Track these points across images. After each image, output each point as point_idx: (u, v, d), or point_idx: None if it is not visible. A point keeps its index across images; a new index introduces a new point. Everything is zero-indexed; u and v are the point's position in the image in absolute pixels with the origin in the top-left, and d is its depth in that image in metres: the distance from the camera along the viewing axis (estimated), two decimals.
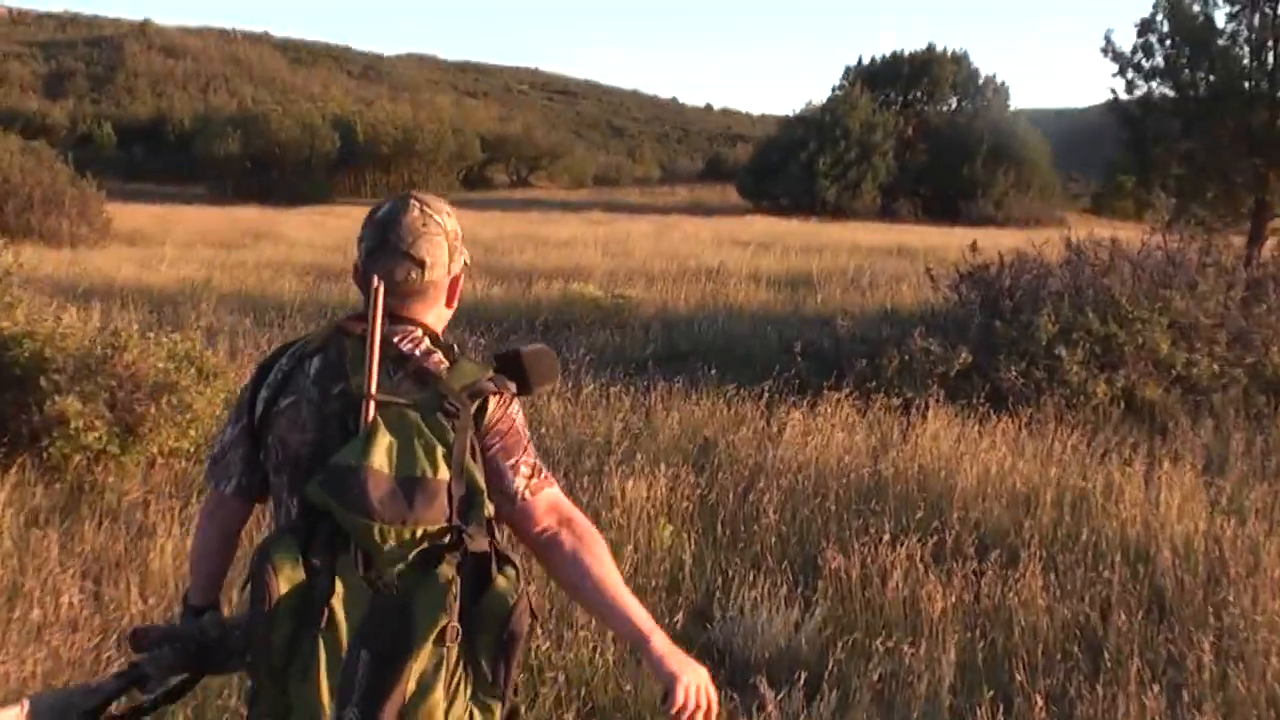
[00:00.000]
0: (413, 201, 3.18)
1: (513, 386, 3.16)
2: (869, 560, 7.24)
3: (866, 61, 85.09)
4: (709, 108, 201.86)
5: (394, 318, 3.10)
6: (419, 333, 3.17)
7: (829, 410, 10.78)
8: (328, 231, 37.59)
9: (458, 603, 2.85)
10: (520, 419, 3.20)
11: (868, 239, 39.53)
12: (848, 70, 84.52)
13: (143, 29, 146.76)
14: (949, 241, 37.19)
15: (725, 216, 58.91)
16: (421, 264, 3.12)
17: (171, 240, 33.48)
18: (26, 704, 3.08)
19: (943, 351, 12.28)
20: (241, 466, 3.27)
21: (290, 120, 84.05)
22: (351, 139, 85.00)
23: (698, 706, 3.00)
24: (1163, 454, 10.03)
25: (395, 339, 3.08)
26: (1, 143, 35.86)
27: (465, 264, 3.31)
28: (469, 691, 2.92)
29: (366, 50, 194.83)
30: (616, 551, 5.66)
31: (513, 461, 3.12)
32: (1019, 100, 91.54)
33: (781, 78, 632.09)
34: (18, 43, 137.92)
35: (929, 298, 17.57)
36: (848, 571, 7.11)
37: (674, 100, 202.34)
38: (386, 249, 3.12)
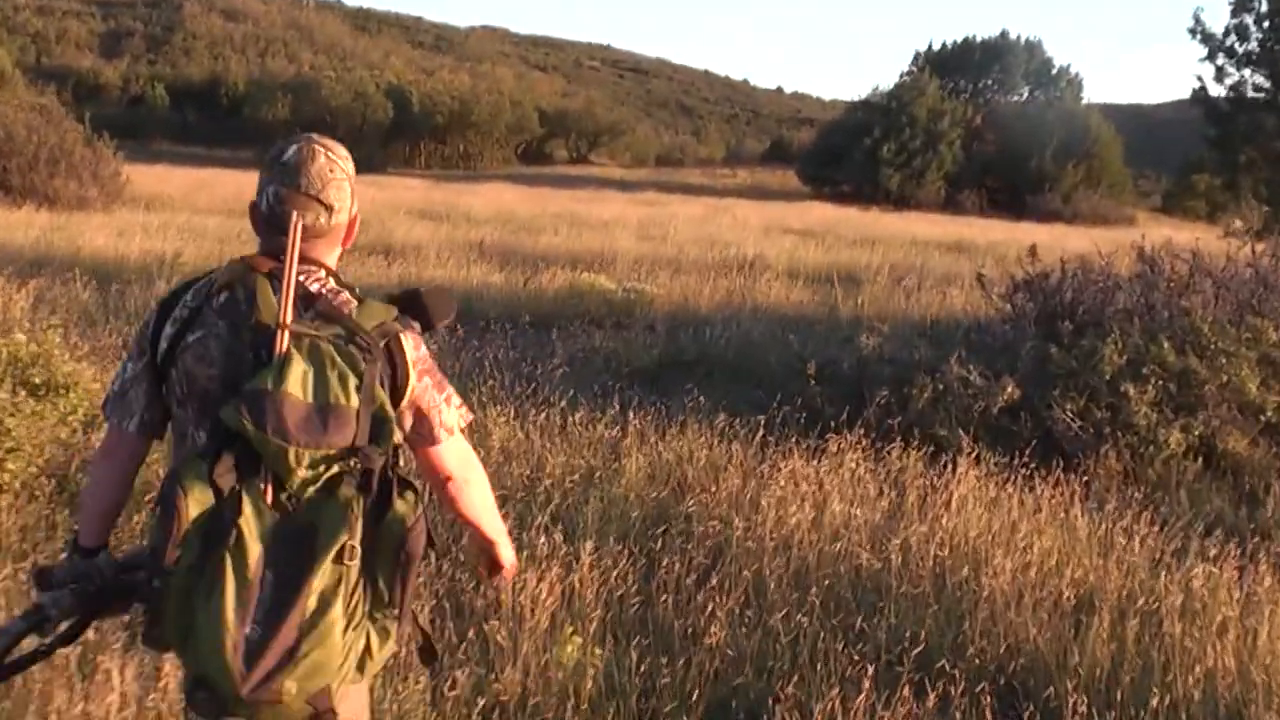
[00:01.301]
0: (318, 147, 3.25)
1: (417, 326, 3.25)
2: None
3: (937, 47, 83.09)
4: (780, 90, 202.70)
5: (300, 259, 3.09)
6: (322, 274, 3.23)
7: (835, 456, 8.63)
8: (364, 202, 35.44)
9: (360, 524, 2.90)
10: (429, 353, 3.30)
11: (926, 231, 37.77)
12: (917, 55, 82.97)
13: None
14: (1012, 238, 35.72)
15: (783, 202, 57.39)
16: (330, 209, 3.21)
17: (189, 206, 32.22)
18: None
19: (985, 383, 10.04)
20: (145, 402, 3.29)
21: (343, 87, 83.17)
22: (406, 108, 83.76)
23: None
24: (1256, 542, 7.67)
25: (302, 279, 3.11)
26: (9, 98, 34.06)
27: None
28: (366, 609, 2.97)
29: (438, 21, 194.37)
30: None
31: (445, 394, 3.30)
32: (1091, 94, 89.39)
33: (856, 62, 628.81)
34: (79, 0, 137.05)
35: (979, 306, 15.75)
36: None
37: (745, 81, 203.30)
38: (297, 193, 3.16)
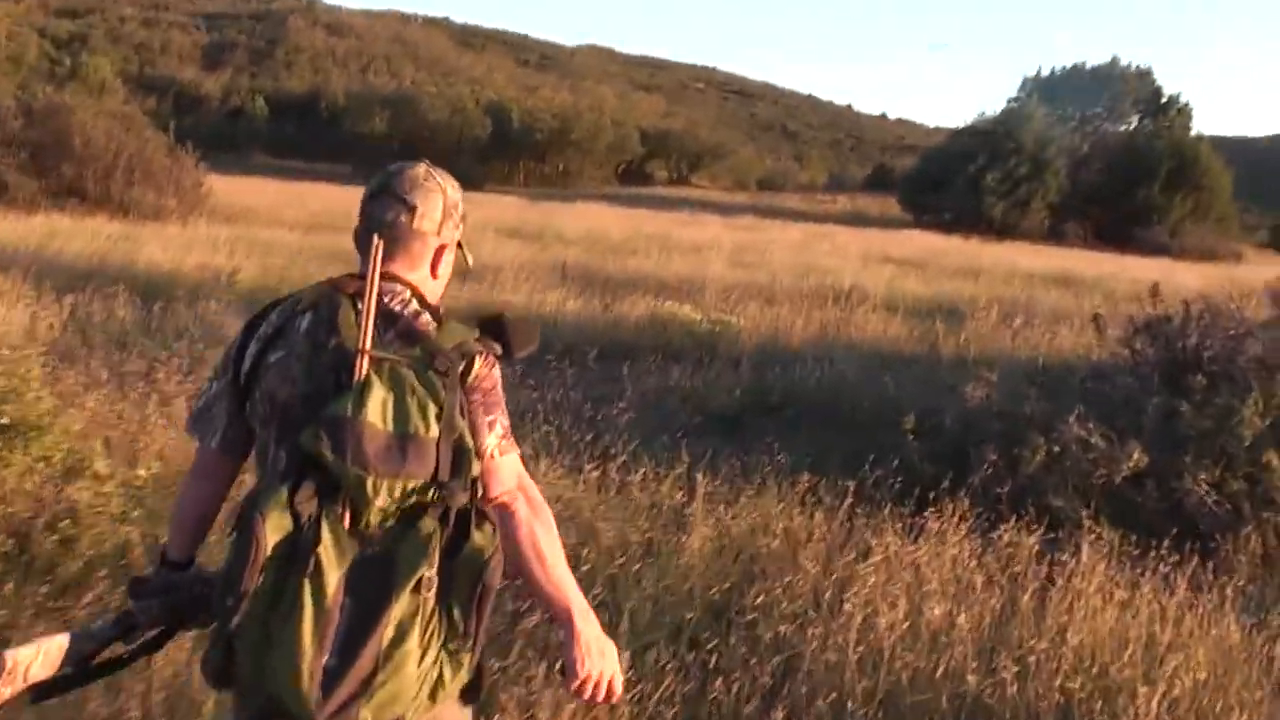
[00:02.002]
0: (423, 163, 3.27)
1: (498, 349, 3.15)
2: None
3: (1045, 73, 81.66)
4: (884, 116, 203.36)
5: (382, 275, 3.06)
6: (406, 294, 3.15)
7: (936, 535, 7.37)
8: None
9: (437, 555, 2.86)
10: (499, 381, 3.21)
11: (1030, 263, 36.34)
12: (1025, 81, 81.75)
13: (309, 5, 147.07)
14: (1120, 271, 34.52)
15: (883, 229, 56.47)
16: (412, 209, 3.17)
17: (273, 220, 31.70)
18: (42, 644, 3.07)
19: (1107, 447, 8.71)
20: (226, 420, 3.25)
21: (442, 102, 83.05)
22: (506, 125, 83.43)
23: (597, 686, 3.12)
24: None
25: (385, 298, 3.08)
26: (92, 106, 33.57)
27: (459, 243, 3.34)
28: (441, 640, 2.91)
29: (545, 39, 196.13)
30: None
31: (490, 418, 3.14)
32: (1200, 124, 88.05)
33: (962, 88, 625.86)
34: (184, 13, 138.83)
35: (1092, 347, 14.39)
36: None
37: (849, 107, 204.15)
38: (383, 193, 3.19)
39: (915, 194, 75.47)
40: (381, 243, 3.01)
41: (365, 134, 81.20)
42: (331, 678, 2.77)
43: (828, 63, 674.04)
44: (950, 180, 71.03)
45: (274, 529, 2.78)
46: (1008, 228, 66.42)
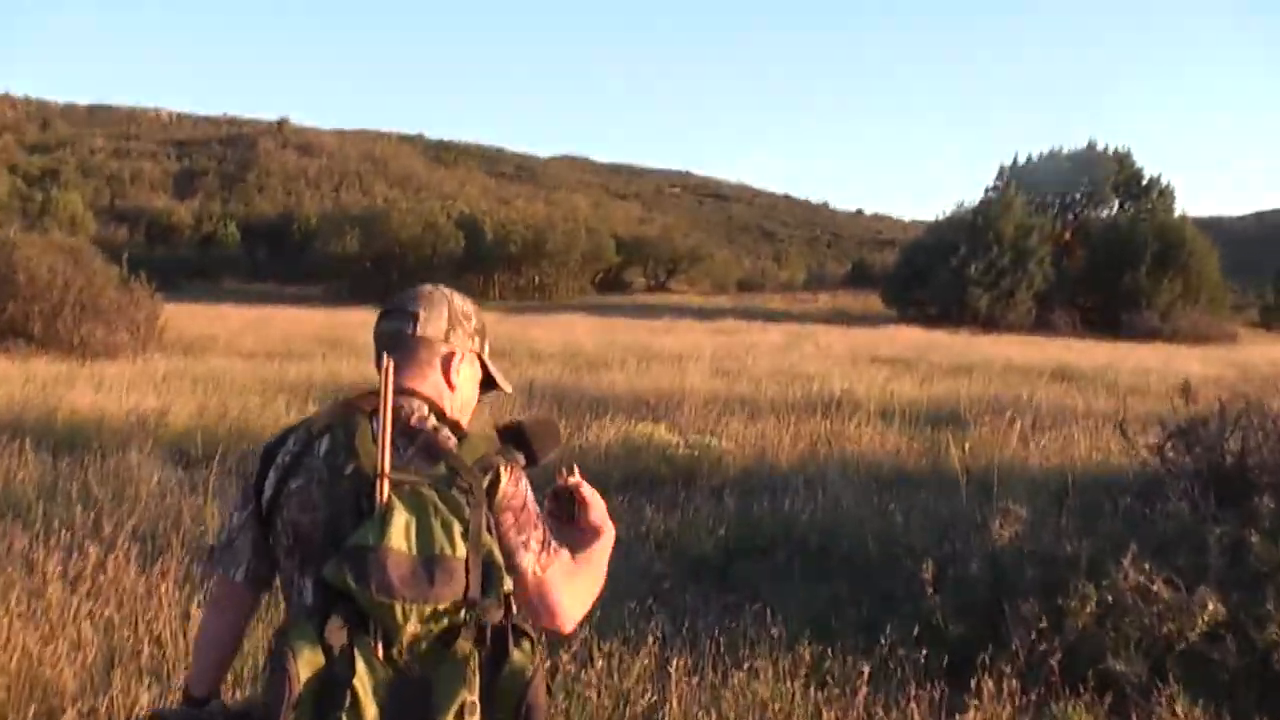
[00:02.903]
0: (438, 286, 3.40)
1: (521, 459, 3.14)
2: None
3: (1022, 160, 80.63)
4: (860, 212, 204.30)
5: (398, 391, 3.06)
6: (425, 408, 3.12)
7: None
8: None
9: (477, 678, 2.82)
10: (529, 493, 3.16)
11: (1023, 355, 35.36)
12: (1002, 170, 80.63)
13: (279, 127, 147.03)
14: (1117, 360, 33.59)
15: (867, 326, 55.63)
16: (414, 316, 3.23)
17: (232, 349, 30.50)
18: None
19: (1174, 595, 7.10)
20: (250, 551, 3.20)
21: (413, 218, 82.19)
22: (479, 238, 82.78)
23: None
24: None
25: (402, 413, 3.05)
26: (38, 242, 32.29)
27: (474, 352, 3.36)
28: None
29: (519, 151, 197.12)
30: None
31: (524, 538, 3.09)
32: (1182, 205, 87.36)
33: (934, 182, 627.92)
34: (154, 141, 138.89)
35: (1110, 451, 13.75)
36: None
37: (825, 204, 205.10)
38: (391, 311, 3.28)
39: (897, 289, 74.36)
40: (392, 361, 2.99)
41: (336, 254, 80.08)
42: None
43: (801, 159, 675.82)
44: (932, 273, 69.87)
45: (306, 664, 2.73)
46: (994, 319, 65.62)
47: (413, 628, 2.78)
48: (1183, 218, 77.39)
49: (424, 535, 2.80)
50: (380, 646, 2.79)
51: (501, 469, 3.03)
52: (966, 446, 15.17)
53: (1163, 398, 23.20)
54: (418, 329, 3.20)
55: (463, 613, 2.82)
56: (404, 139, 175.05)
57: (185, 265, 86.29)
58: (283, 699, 2.71)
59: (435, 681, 2.78)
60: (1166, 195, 78.73)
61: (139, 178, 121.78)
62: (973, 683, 6.48)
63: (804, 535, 10.63)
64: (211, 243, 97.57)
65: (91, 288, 28.70)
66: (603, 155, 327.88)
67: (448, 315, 3.26)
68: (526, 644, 2.92)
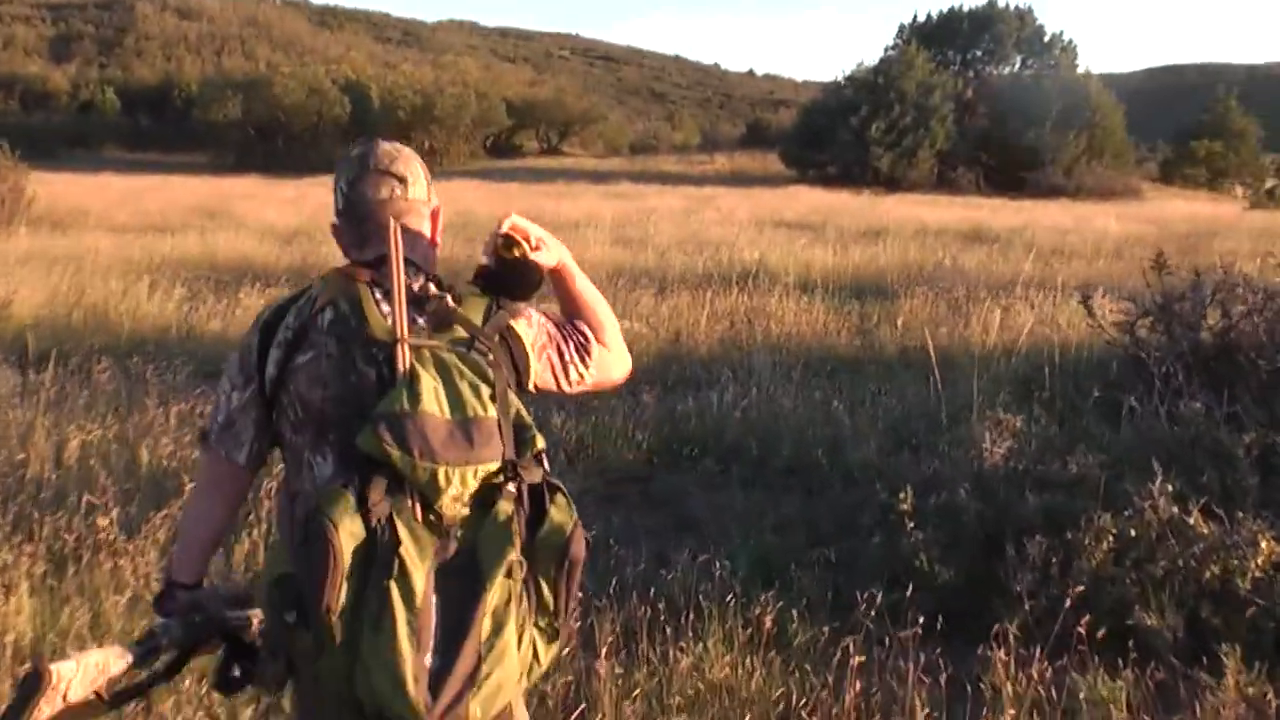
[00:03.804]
0: (379, 140, 3.20)
1: (520, 306, 3.09)
2: None
3: (922, 19, 79.38)
4: (751, 73, 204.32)
5: (388, 259, 2.95)
6: (421, 276, 3.00)
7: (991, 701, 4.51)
8: (299, 210, 32.20)
9: (519, 538, 2.78)
10: (540, 317, 3.15)
11: (934, 217, 34.32)
12: (902, 28, 79.91)
13: None
14: (1032, 221, 32.55)
15: (767, 188, 54.55)
16: (403, 179, 3.11)
17: (105, 223, 28.43)
18: (81, 660, 2.95)
19: (1217, 531, 5.65)
20: (254, 432, 3.13)
21: (296, 84, 79.74)
22: (366, 105, 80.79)
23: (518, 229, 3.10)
24: None
25: (406, 283, 2.96)
26: None
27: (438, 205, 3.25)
28: (533, 620, 2.86)
29: (405, 16, 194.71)
30: None
31: (570, 347, 3.16)
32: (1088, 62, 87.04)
33: (828, 42, 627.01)
34: (27, 5, 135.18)
35: (1064, 331, 12.09)
36: None
37: (716, 66, 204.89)
38: (366, 172, 3.09)
39: (798, 149, 73.14)
40: (398, 224, 2.91)
41: (219, 122, 77.82)
42: (436, 677, 2.68)
43: (691, 19, 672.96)
44: (833, 134, 68.68)
45: (348, 535, 2.67)
46: (895, 179, 64.76)
47: (454, 492, 2.71)
48: (1086, 74, 76.69)
49: (454, 398, 2.75)
50: (420, 512, 2.72)
51: (511, 321, 3.00)
52: (899, 323, 13.83)
53: (1088, 259, 22.13)
54: (408, 191, 3.10)
55: (500, 474, 2.76)
56: (287, 3, 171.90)
57: (63, 134, 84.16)
58: (326, 572, 2.64)
59: (479, 544, 2.73)
60: (1069, 52, 78.01)
61: (11, 42, 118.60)
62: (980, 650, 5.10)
63: (738, 440, 9.18)
64: (90, 110, 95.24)
65: None
66: (490, 20, 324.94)
67: (423, 173, 3.17)
68: (561, 499, 2.83)
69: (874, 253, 22.10)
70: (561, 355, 3.13)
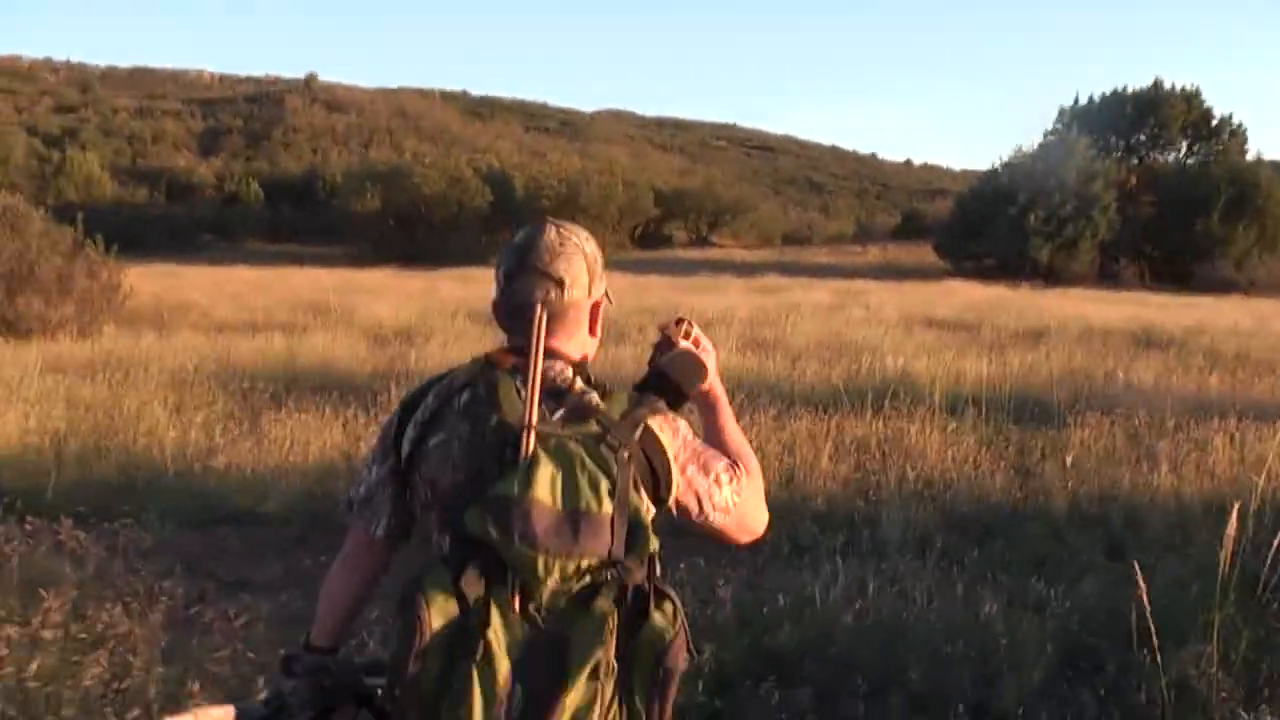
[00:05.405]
0: (549, 224, 3.12)
1: (663, 404, 2.99)
2: None
3: (1083, 101, 76.62)
4: (909, 162, 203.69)
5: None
6: (568, 370, 2.99)
7: None
8: (420, 305, 30.56)
9: (614, 638, 2.70)
10: (688, 430, 3.04)
11: (1099, 314, 31.89)
12: (1062, 112, 77.00)
13: (307, 84, 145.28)
14: (1206, 321, 30.54)
15: (921, 281, 52.71)
16: (560, 282, 3.03)
17: (202, 320, 26.70)
18: (200, 715, 3.02)
19: None
20: (390, 506, 3.15)
21: (437, 173, 78.63)
22: (508, 194, 79.66)
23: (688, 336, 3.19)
24: None
25: (547, 375, 2.93)
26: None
27: (607, 294, 3.18)
28: None
29: (563, 106, 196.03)
30: None
31: (714, 475, 3.01)
32: (1258, 146, 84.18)
33: (984, 129, 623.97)
34: (179, 100, 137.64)
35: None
36: None
37: (873, 155, 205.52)
38: (524, 270, 3.03)
39: (952, 241, 70.91)
40: (545, 314, 2.87)
41: (358, 212, 77.11)
42: None
43: (849, 110, 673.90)
44: (989, 223, 66.32)
45: (439, 612, 2.65)
46: (1056, 272, 62.48)
47: (553, 583, 2.63)
48: (1258, 160, 73.59)
49: (570, 489, 2.66)
50: (517, 600, 2.66)
51: (654, 426, 2.86)
52: (1068, 461, 11.22)
53: (1278, 369, 19.41)
54: (566, 295, 2.97)
55: (605, 571, 2.66)
56: (445, 96, 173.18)
57: (205, 224, 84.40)
58: (411, 645, 2.62)
59: (571, 639, 2.63)
60: (1238, 136, 75.20)
61: (161, 137, 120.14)
62: None
63: (847, 655, 6.57)
64: (234, 202, 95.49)
65: (25, 257, 24.79)
66: (648, 109, 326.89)
67: (586, 268, 3.02)
68: (668, 606, 2.75)
69: (1034, 360, 19.53)
70: (707, 473, 2.95)
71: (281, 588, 8.06)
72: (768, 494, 8.18)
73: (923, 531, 8.99)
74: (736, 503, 3.01)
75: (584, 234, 3.09)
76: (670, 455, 2.89)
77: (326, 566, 3.31)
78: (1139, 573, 6.05)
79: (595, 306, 3.09)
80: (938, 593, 7.38)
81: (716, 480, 2.98)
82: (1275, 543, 6.24)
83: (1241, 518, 6.97)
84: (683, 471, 2.92)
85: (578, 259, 3.00)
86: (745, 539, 3.12)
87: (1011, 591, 7.54)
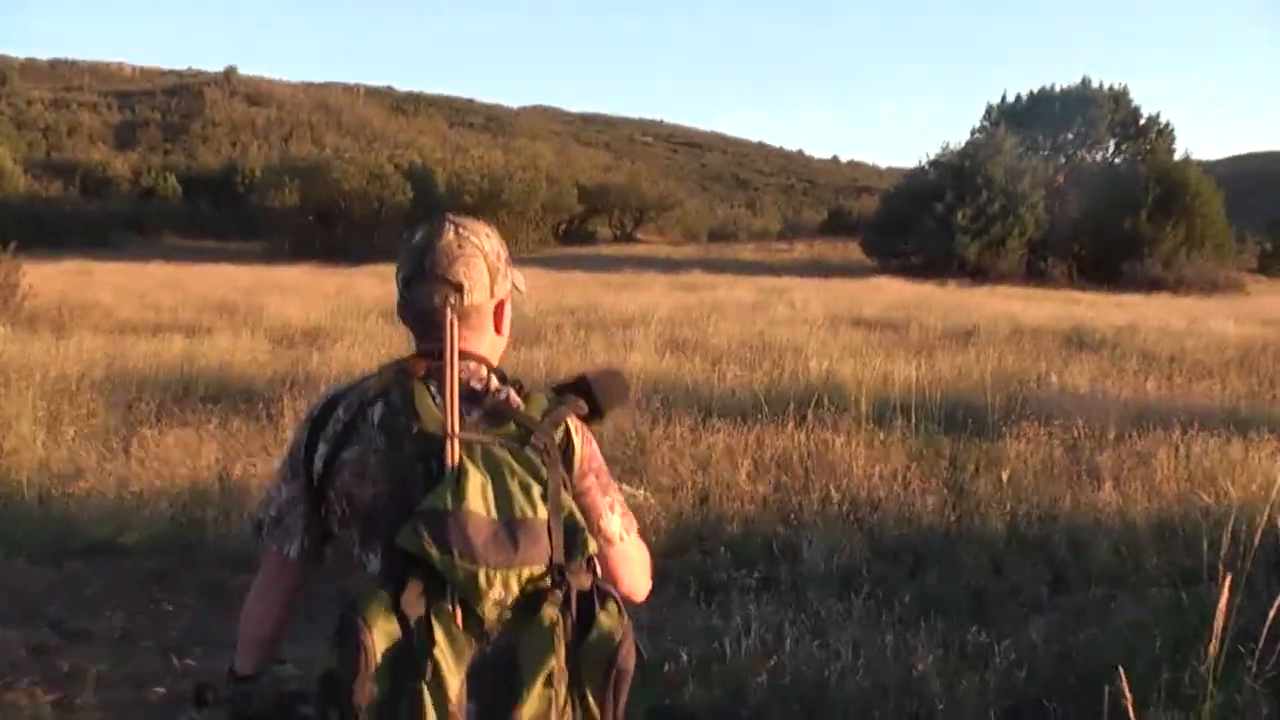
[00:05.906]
0: (447, 224, 2.99)
1: (584, 405, 2.92)
2: None
3: (1011, 100, 76.48)
4: (836, 159, 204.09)
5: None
6: (482, 370, 2.94)
7: None
8: (332, 304, 29.56)
9: (563, 644, 2.63)
10: (596, 452, 3.00)
11: (1029, 313, 31.40)
12: (990, 109, 77.13)
13: (227, 77, 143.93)
14: (1138, 319, 29.75)
15: (847, 278, 52.53)
16: (459, 287, 2.93)
17: (104, 321, 25.55)
18: None
19: None
20: (304, 525, 3.03)
21: (356, 169, 77.69)
22: (430, 189, 78.76)
23: None
24: None
25: (460, 376, 2.83)
26: None
27: (516, 288, 3.09)
28: None
29: (489, 101, 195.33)
30: None
31: (608, 500, 2.97)
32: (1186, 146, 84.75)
33: (912, 128, 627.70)
34: (94, 92, 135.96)
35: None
36: None
37: (800, 152, 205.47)
38: (422, 276, 2.93)
39: (879, 237, 70.39)
40: (456, 318, 2.78)
41: (276, 207, 76.09)
42: None
43: (777, 109, 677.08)
44: (917, 221, 65.99)
45: (381, 635, 2.54)
46: (983, 269, 62.19)
47: (496, 595, 2.56)
48: (1185, 159, 73.39)
49: (502, 497, 2.60)
50: (460, 614, 2.57)
51: (572, 428, 2.84)
52: (1004, 477, 10.38)
53: (1218, 373, 18.66)
54: (466, 299, 2.87)
55: (547, 578, 2.61)
56: (370, 91, 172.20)
57: (120, 220, 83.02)
58: (357, 672, 2.50)
59: (520, 650, 2.57)
60: (1166, 136, 75.18)
61: (77, 130, 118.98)
62: None
63: (761, 717, 5.71)
64: (151, 197, 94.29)
65: None
66: (575, 105, 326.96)
67: (488, 269, 2.92)
68: (613, 606, 2.65)
69: (964, 362, 18.69)
70: (604, 493, 2.89)
71: (127, 637, 7.19)
72: (682, 519, 7.31)
73: (848, 562, 8.18)
74: (625, 539, 2.94)
75: (484, 231, 2.99)
76: (578, 458, 2.84)
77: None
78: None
79: (500, 306, 3.00)
80: (865, 642, 6.49)
81: (610, 507, 2.92)
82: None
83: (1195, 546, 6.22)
84: (583, 479, 2.86)
85: (477, 261, 2.91)
86: (621, 588, 2.84)
87: (948, 638, 6.67)
